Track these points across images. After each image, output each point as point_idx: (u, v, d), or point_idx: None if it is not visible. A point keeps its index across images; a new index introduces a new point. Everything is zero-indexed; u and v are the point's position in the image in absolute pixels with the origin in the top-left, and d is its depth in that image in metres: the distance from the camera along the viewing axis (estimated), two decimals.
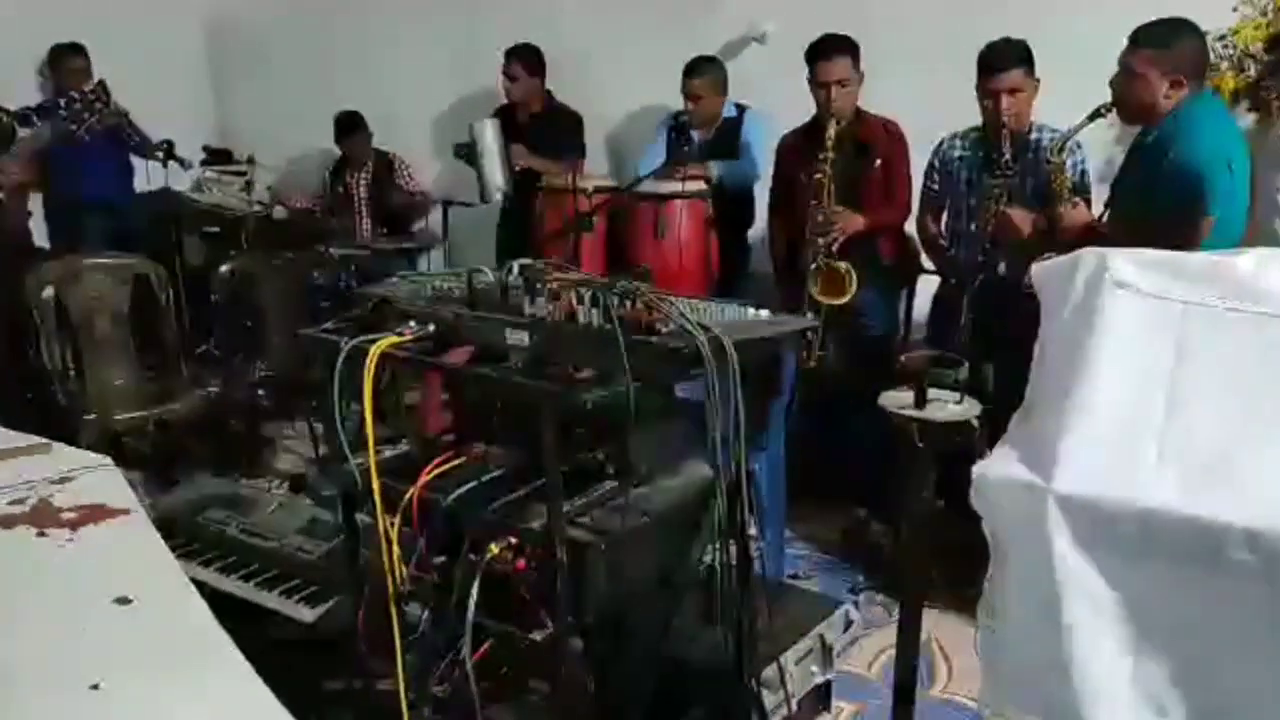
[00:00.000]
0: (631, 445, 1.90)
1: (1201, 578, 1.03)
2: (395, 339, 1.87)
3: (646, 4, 4.76)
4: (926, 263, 3.66)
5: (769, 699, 2.27)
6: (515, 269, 1.88)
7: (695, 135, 4.19)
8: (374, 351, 1.84)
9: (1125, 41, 2.83)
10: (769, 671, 2.31)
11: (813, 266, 3.44)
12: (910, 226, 3.65)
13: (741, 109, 4.23)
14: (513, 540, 1.85)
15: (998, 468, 1.14)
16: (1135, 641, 1.08)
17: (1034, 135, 3.28)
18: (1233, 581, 1.02)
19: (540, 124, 4.71)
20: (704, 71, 4.12)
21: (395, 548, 1.91)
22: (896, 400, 1.27)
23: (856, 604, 2.85)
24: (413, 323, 1.91)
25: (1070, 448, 1.10)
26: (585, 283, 1.76)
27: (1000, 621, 1.16)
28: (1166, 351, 1.15)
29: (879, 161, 3.53)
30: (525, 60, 4.70)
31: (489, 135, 4.33)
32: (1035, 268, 1.32)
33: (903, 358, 1.34)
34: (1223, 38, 3.30)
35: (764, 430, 3.27)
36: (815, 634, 2.50)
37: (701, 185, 3.88)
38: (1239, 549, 1.01)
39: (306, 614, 2.52)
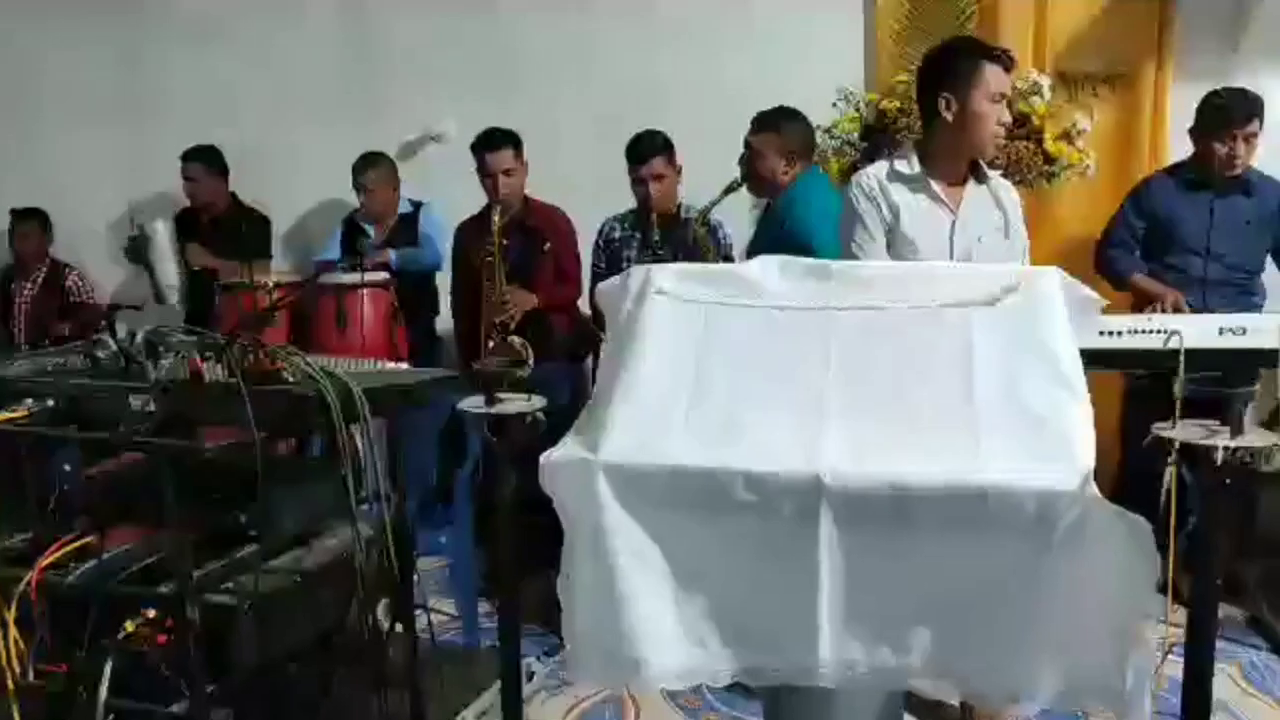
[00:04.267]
0: (273, 503, 1.90)
1: (718, 519, 1.21)
2: (5, 415, 1.79)
3: (328, 105, 4.84)
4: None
5: None
6: (138, 335, 1.86)
7: (371, 230, 4.29)
8: None
9: (749, 125, 3.25)
10: None
11: (490, 345, 3.58)
12: (584, 303, 3.89)
13: (417, 204, 4.38)
14: (150, 615, 1.79)
15: (559, 452, 1.28)
16: (674, 584, 1.23)
17: (683, 214, 3.64)
18: (739, 519, 1.20)
19: (225, 226, 4.62)
20: (374, 165, 4.26)
21: (13, 640, 1.79)
22: (471, 402, 1.39)
23: (539, 658, 2.92)
24: (30, 399, 1.84)
25: (615, 424, 1.26)
26: (206, 340, 1.78)
27: (572, 592, 1.28)
28: (694, 341, 1.36)
29: (548, 245, 3.77)
30: (204, 161, 4.63)
31: (161, 235, 4.19)
32: (599, 287, 1.50)
33: (473, 364, 1.47)
34: (828, 130, 3.84)
35: (449, 503, 3.35)
36: (495, 689, 2.53)
37: (383, 275, 3.96)
38: (741, 490, 1.19)
39: None
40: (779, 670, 1.23)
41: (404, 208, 4.37)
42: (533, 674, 2.74)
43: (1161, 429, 1.14)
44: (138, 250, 4.12)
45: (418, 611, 2.28)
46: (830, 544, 1.17)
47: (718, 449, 1.22)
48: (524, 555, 3.36)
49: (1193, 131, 3.38)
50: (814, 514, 1.17)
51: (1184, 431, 1.10)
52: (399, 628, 2.20)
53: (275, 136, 4.86)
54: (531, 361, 3.61)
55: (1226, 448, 1.06)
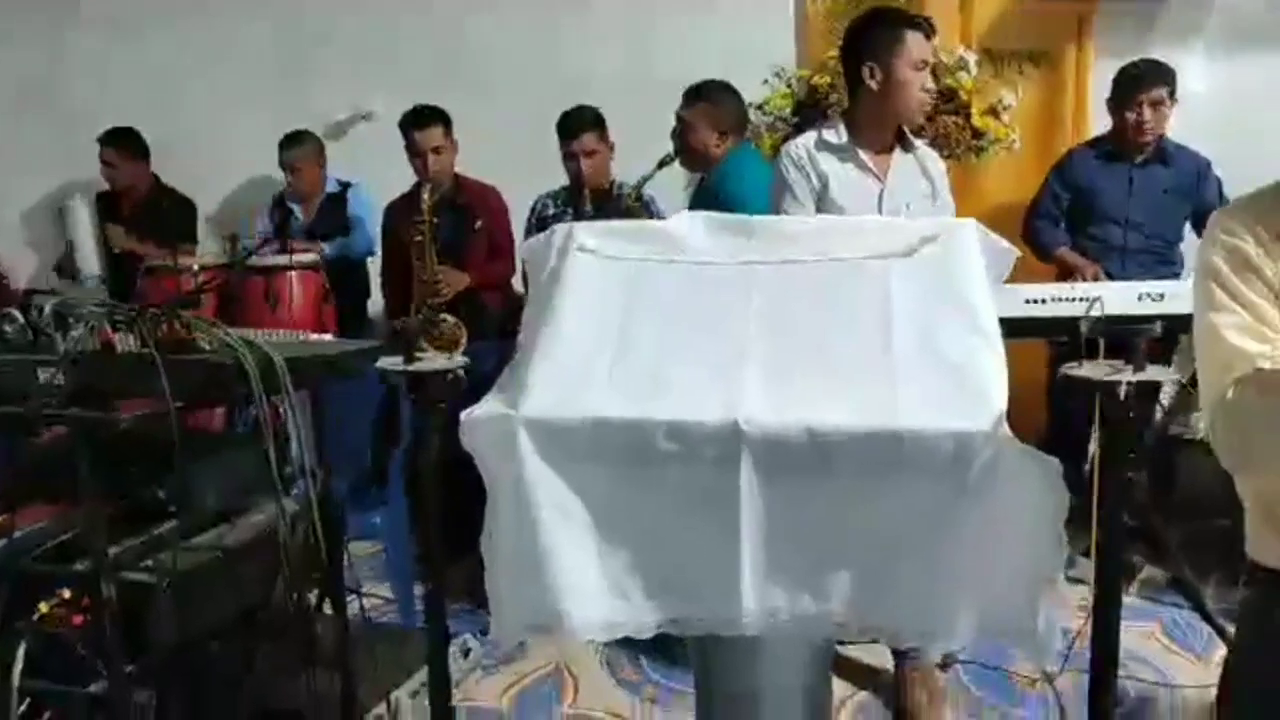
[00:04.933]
0: (193, 477, 1.85)
1: (640, 471, 1.20)
2: None
3: (257, 84, 4.73)
4: None
5: None
6: (46, 308, 1.79)
7: (298, 211, 4.21)
8: None
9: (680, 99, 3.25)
10: (379, 709, 2.29)
11: (422, 323, 3.54)
12: (518, 280, 3.86)
13: (345, 185, 4.31)
14: (66, 594, 1.74)
15: (480, 409, 1.26)
16: (597, 537, 1.23)
17: (616, 191, 3.63)
18: (661, 470, 1.19)
19: (147, 210, 4.51)
20: (299, 143, 4.20)
21: None
22: (391, 360, 1.38)
23: (476, 636, 2.90)
24: None
25: (536, 379, 1.25)
26: (117, 310, 1.73)
27: (496, 549, 1.27)
28: (617, 297, 1.35)
29: (479, 223, 3.73)
30: (123, 146, 4.50)
31: (80, 218, 4.09)
32: (523, 245, 1.49)
33: (395, 323, 1.45)
34: (760, 107, 3.85)
35: (384, 484, 3.31)
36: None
37: (314, 256, 3.89)
38: (665, 440, 1.19)
39: None
40: (703, 620, 1.23)
41: (332, 188, 4.31)
42: (469, 651, 2.72)
43: (1071, 369, 1.16)
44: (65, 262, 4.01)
45: (351, 595, 2.26)
46: (751, 491, 1.18)
47: (640, 401, 1.22)
48: (455, 530, 3.33)
49: (1109, 103, 3.46)
50: (734, 461, 1.17)
51: (1091, 370, 1.13)
52: (328, 606, 2.17)
53: (204, 118, 4.74)
54: (465, 341, 3.61)
55: (1129, 383, 1.09)
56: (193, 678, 1.88)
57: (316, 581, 2.12)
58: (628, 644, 2.95)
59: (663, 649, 2.87)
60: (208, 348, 1.71)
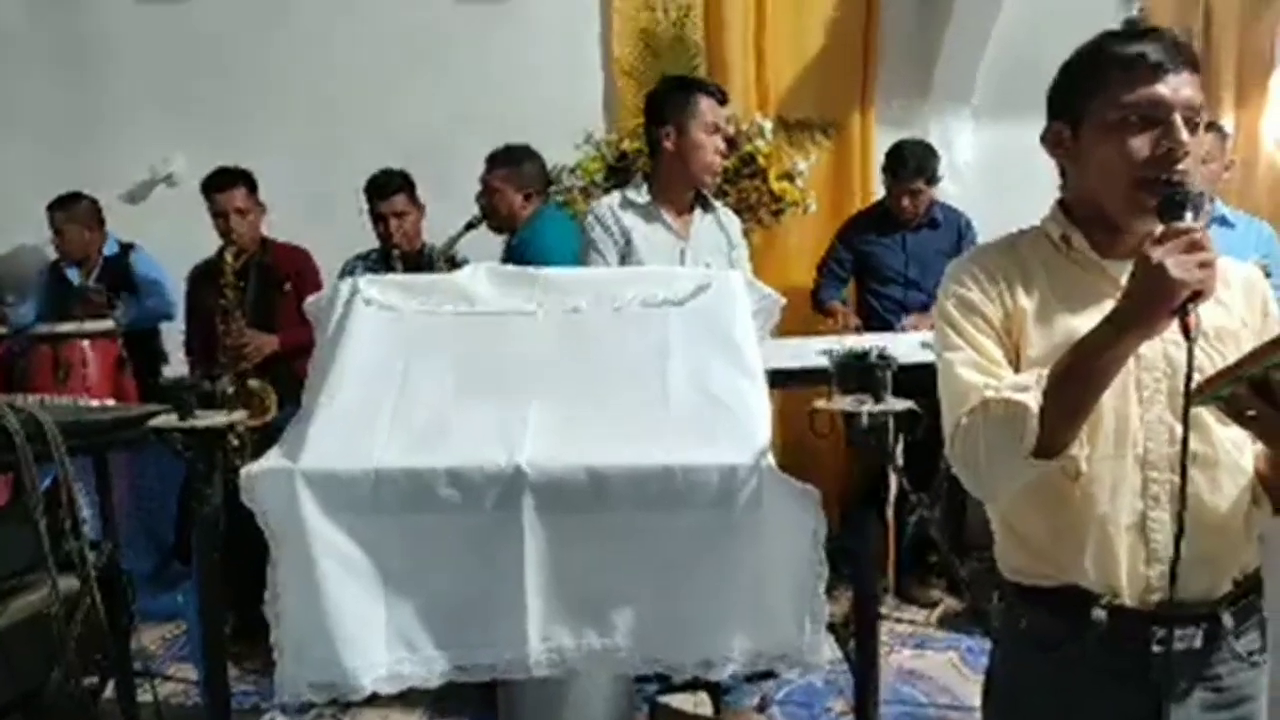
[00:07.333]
0: None
1: (424, 519, 1.22)
2: None
3: (41, 145, 4.48)
4: None
5: None
6: None
7: (73, 275, 3.99)
8: None
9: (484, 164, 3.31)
10: None
11: (230, 391, 3.40)
12: None
13: (127, 246, 4.12)
14: None
15: (260, 463, 1.24)
16: (383, 589, 1.23)
17: (426, 253, 3.63)
18: (445, 518, 1.21)
19: None
20: (63, 205, 3.99)
21: None
22: (165, 419, 1.34)
23: (283, 709, 2.78)
24: None
25: (316, 432, 1.25)
26: None
27: (280, 605, 1.24)
28: (402, 348, 1.37)
29: (288, 286, 3.64)
30: None
31: None
32: (308, 301, 1.48)
33: (164, 380, 1.42)
34: (573, 170, 3.96)
35: (189, 560, 3.13)
36: None
37: (107, 324, 3.69)
38: (445, 487, 1.21)
39: None
40: (492, 665, 1.24)
41: (111, 249, 4.08)
42: None
43: (819, 403, 1.26)
44: None
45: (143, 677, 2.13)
46: (534, 532, 1.21)
47: (421, 450, 1.24)
48: (255, 598, 3.19)
49: (884, 173, 3.75)
50: (516, 504, 1.20)
51: (838, 402, 1.23)
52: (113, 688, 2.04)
53: None
54: (275, 408, 3.49)
55: (870, 413, 1.19)
56: None
57: (100, 664, 1.99)
58: (455, 707, 2.89)
59: (492, 710, 2.83)
60: None
